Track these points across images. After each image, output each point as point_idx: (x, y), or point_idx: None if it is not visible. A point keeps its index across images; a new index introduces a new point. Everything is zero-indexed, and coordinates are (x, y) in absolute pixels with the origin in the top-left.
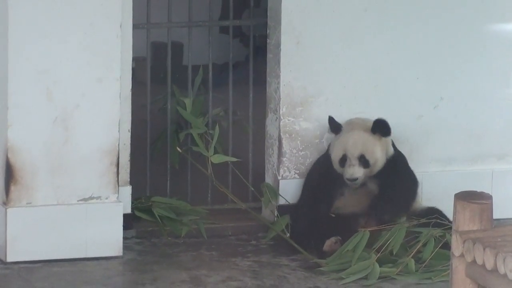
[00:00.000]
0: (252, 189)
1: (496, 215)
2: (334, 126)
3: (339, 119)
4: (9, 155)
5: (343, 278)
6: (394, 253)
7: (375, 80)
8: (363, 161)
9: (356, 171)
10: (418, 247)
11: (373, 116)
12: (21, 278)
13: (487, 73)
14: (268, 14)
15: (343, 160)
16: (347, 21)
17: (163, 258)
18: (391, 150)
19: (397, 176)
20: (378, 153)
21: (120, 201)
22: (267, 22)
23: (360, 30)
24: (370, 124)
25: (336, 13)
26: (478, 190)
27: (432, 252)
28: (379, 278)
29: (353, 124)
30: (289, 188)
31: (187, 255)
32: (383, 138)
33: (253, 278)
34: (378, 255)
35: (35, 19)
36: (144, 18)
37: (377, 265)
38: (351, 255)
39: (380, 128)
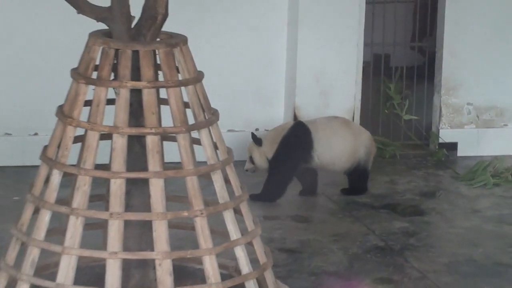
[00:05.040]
0: (424, 133)
1: None
2: (256, 140)
3: (477, 100)
4: (296, 112)
5: (472, 185)
6: (499, 173)
7: (499, 76)
8: (251, 159)
9: (246, 165)
10: None
11: (504, 97)
12: None
13: None
14: (436, 40)
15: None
16: (483, 42)
17: (379, 166)
18: (269, 155)
19: (269, 174)
20: (256, 155)
21: None
22: (436, 44)
23: (492, 46)
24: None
25: (477, 36)
26: None
27: None
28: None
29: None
30: (441, 134)
31: (388, 167)
32: (260, 147)
33: (424, 180)
34: (491, 173)
35: (314, 34)
36: (369, 39)
37: (490, 177)
38: (472, 175)
39: (255, 141)
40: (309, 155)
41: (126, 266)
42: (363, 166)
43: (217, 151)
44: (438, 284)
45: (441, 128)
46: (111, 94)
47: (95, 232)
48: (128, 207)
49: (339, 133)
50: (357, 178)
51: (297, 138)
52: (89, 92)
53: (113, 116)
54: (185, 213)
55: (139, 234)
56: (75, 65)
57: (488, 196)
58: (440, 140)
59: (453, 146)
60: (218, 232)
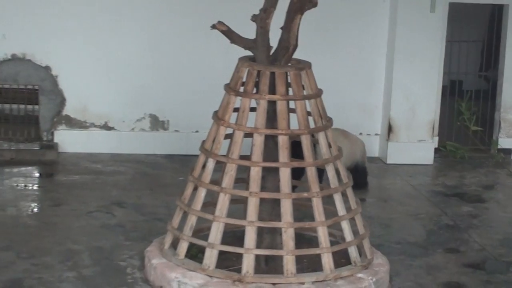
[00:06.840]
0: (487, 141)
1: None
2: None
3: None
4: (391, 122)
5: None
6: None
7: None
8: None
9: None
10: None
11: None
12: None
13: None
14: (498, 71)
15: None
16: None
17: (452, 164)
18: None
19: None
20: None
21: (433, 142)
22: (497, 74)
23: None
24: None
25: None
26: None
27: None
28: None
29: None
30: (500, 142)
31: (458, 166)
32: None
33: (485, 176)
34: None
35: (406, 64)
36: (447, 68)
37: None
38: None
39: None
40: None
41: (260, 232)
42: (361, 166)
43: (330, 149)
44: (493, 255)
45: (500, 137)
46: (253, 103)
47: (237, 206)
48: (263, 188)
49: (339, 139)
50: (357, 176)
51: None
52: (236, 101)
53: (254, 120)
54: (305, 194)
55: (270, 209)
56: (227, 82)
57: None
58: (499, 147)
59: (509, 151)
60: (329, 209)
